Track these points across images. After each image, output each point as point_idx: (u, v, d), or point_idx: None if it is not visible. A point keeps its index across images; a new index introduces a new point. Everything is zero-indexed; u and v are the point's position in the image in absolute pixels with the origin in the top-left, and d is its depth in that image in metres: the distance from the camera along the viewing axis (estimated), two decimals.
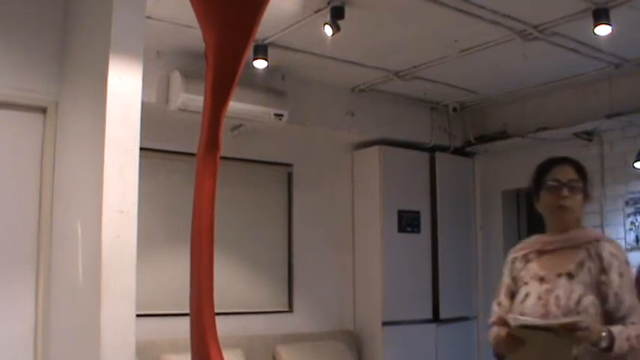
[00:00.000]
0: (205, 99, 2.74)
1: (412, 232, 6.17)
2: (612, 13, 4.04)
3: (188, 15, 3.17)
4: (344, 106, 5.83)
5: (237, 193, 5.56)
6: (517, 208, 6.62)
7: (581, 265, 2.24)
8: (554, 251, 2.33)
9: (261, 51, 4.67)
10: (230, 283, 5.33)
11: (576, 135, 5.66)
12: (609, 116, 5.34)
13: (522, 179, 6.74)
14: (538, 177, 2.44)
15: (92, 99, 3.48)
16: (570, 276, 2.23)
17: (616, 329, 2.09)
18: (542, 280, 2.27)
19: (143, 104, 3.43)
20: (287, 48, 4.82)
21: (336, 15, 4.04)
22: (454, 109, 6.44)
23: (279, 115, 5.15)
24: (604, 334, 2.07)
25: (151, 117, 3.69)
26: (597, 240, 2.30)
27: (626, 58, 5.03)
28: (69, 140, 3.75)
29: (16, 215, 3.78)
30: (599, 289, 2.19)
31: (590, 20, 4.10)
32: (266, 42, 4.66)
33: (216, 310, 1.85)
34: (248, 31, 2.55)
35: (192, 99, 4.57)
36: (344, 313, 6.12)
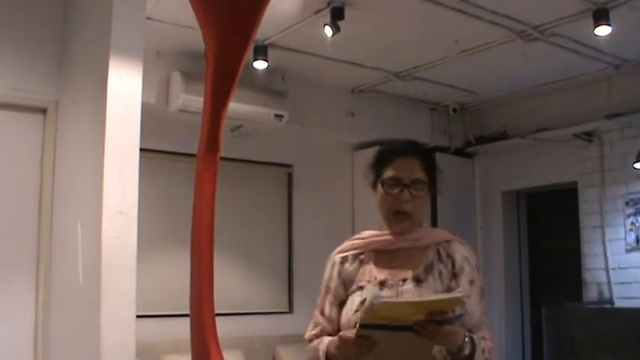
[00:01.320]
0: (205, 100, 2.74)
1: None
2: (612, 14, 4.04)
3: (188, 16, 3.17)
4: (344, 107, 5.83)
5: (237, 193, 5.56)
6: (517, 209, 6.62)
7: (430, 268, 1.91)
8: (396, 252, 1.95)
9: (261, 52, 4.67)
10: (230, 283, 5.33)
11: (576, 136, 5.66)
12: (609, 117, 5.34)
13: (523, 180, 6.77)
14: (377, 165, 2.01)
15: (92, 100, 3.48)
16: (418, 281, 1.88)
17: (475, 338, 1.81)
18: (382, 285, 1.88)
19: (143, 105, 3.43)
20: (287, 49, 4.82)
21: (336, 16, 4.04)
22: (454, 110, 6.44)
23: (279, 116, 5.15)
24: (467, 339, 1.78)
25: (150, 118, 3.69)
26: (448, 241, 1.98)
27: (626, 58, 5.03)
28: (69, 141, 3.75)
29: (16, 216, 3.78)
30: None
31: (590, 21, 4.10)
32: (266, 43, 4.66)
33: (216, 311, 1.84)
34: (248, 31, 2.54)
35: (192, 100, 4.57)
36: None
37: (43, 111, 3.86)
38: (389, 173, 1.95)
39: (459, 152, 6.57)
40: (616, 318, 5.09)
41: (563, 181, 5.91)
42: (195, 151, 2.08)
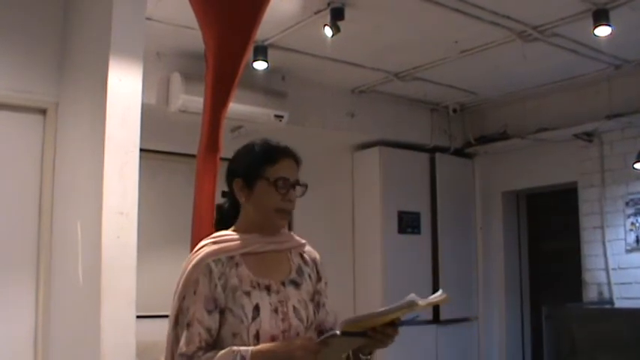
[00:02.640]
0: (205, 100, 2.73)
1: (412, 233, 6.16)
2: (612, 14, 4.04)
3: (188, 16, 3.17)
4: (344, 108, 5.83)
5: None
6: (517, 209, 6.62)
7: (300, 272, 1.97)
8: (263, 255, 1.92)
9: (261, 52, 4.67)
10: None
11: (576, 136, 5.66)
12: (609, 117, 5.34)
13: (523, 180, 6.76)
14: (258, 163, 1.97)
15: (92, 100, 3.48)
16: (296, 284, 1.93)
17: None
18: (269, 289, 1.85)
19: (143, 105, 3.43)
20: (287, 49, 4.82)
21: (336, 16, 4.04)
22: (454, 110, 6.44)
23: (279, 117, 5.15)
24: None
25: (150, 118, 3.69)
26: (303, 244, 2.05)
27: (626, 59, 5.03)
28: (69, 142, 3.75)
29: (16, 216, 3.78)
30: (314, 298, 2.00)
31: (590, 21, 4.10)
32: (266, 43, 4.66)
33: None
34: (248, 32, 2.52)
35: (192, 100, 4.57)
36: (344, 314, 6.09)
37: (43, 112, 3.86)
38: (277, 172, 1.96)
39: (459, 153, 6.57)
40: (616, 318, 5.09)
41: (563, 181, 5.91)
42: (195, 152, 2.07)
